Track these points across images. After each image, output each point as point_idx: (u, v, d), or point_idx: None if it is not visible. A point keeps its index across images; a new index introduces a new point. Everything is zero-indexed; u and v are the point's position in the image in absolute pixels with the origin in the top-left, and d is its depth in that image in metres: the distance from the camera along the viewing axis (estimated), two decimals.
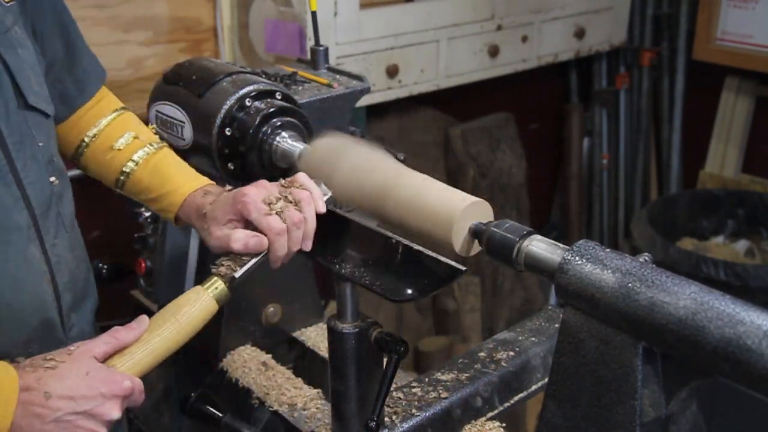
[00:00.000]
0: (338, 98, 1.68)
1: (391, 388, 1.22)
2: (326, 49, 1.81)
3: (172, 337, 1.10)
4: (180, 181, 1.32)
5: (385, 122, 3.05)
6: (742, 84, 3.38)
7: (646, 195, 3.78)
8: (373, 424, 1.13)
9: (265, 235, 1.15)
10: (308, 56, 1.82)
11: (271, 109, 1.42)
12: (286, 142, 1.42)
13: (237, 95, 1.43)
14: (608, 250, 1.01)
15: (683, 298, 0.90)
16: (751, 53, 3.21)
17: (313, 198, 1.18)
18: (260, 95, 1.45)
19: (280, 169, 1.40)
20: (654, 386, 0.96)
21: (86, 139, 1.37)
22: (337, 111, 1.68)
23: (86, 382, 1.02)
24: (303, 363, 1.73)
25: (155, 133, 1.45)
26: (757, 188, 3.34)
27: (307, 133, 1.47)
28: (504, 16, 2.92)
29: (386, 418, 1.26)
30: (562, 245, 1.06)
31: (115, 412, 1.04)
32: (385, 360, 1.21)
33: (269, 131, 1.42)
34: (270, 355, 1.67)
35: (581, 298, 0.99)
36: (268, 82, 1.50)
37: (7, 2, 1.15)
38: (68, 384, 1.01)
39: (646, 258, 1.01)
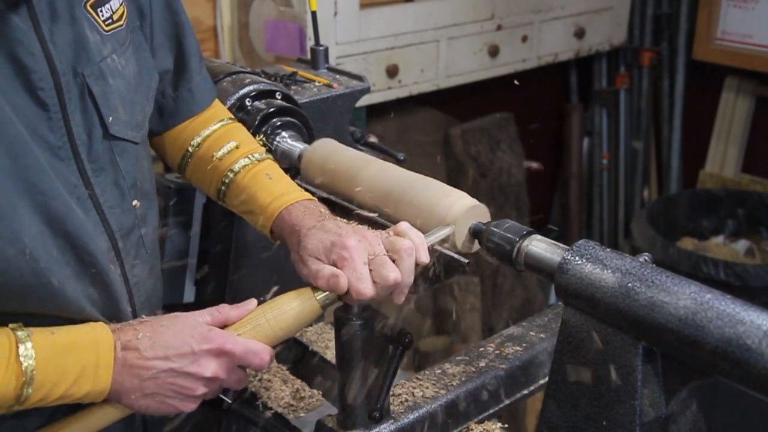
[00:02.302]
0: (338, 98, 1.68)
1: (397, 381, 1.21)
2: (326, 49, 1.80)
3: (276, 324, 1.09)
4: (274, 196, 1.24)
5: (385, 122, 3.05)
6: (742, 84, 3.38)
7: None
8: (377, 414, 1.12)
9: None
10: (308, 56, 1.82)
11: (271, 109, 1.42)
12: (286, 142, 1.42)
13: (237, 95, 1.43)
14: (608, 250, 1.00)
15: (683, 298, 0.90)
16: (751, 53, 3.22)
17: (415, 248, 1.09)
18: (260, 95, 1.45)
19: None
20: (654, 386, 0.96)
21: (190, 149, 1.32)
22: (337, 111, 1.68)
23: (181, 339, 1.04)
24: (303, 363, 1.73)
25: (262, 145, 1.39)
26: (757, 188, 3.34)
27: (307, 133, 1.47)
28: (504, 16, 2.92)
29: (391, 409, 1.26)
30: (562, 245, 1.06)
31: (208, 370, 1.04)
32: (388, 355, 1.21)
33: (269, 131, 1.42)
34: None
35: (581, 298, 0.99)
36: (268, 82, 1.50)
37: (108, 30, 1.10)
38: (164, 341, 1.03)
39: (646, 258, 1.01)
